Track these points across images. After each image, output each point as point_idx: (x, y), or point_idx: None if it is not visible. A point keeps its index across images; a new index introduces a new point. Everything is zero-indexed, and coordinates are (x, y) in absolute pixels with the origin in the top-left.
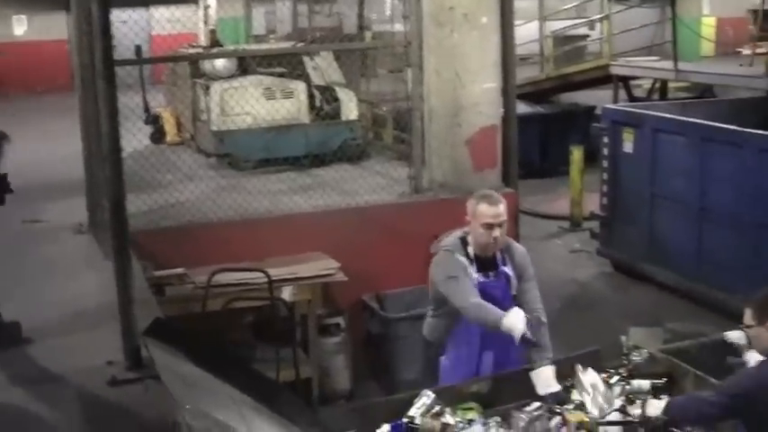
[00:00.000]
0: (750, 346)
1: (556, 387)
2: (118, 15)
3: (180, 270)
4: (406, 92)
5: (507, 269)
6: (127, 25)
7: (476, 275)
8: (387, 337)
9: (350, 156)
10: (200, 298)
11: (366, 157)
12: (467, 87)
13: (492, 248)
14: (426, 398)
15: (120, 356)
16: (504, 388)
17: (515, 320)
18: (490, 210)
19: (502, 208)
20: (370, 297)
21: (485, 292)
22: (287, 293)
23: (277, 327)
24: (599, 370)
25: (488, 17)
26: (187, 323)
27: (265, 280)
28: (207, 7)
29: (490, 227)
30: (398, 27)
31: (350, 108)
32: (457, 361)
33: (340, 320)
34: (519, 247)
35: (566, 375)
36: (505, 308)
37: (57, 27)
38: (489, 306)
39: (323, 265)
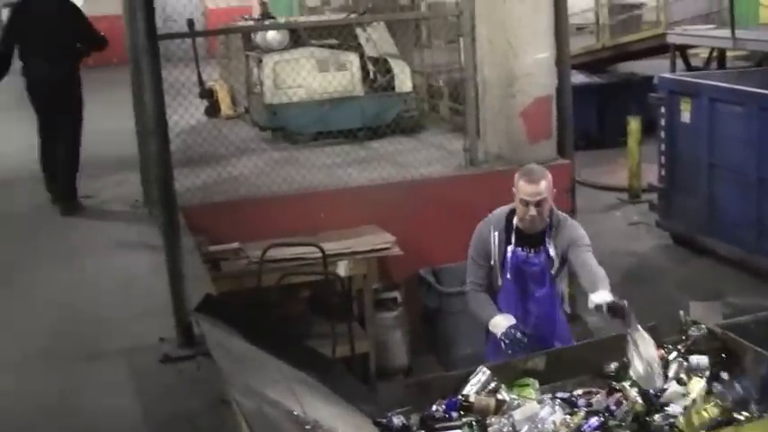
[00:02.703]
0: None
1: (610, 297)
2: None
3: (235, 245)
4: (459, 62)
5: (550, 247)
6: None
7: (511, 248)
8: (443, 311)
9: (404, 128)
10: (255, 272)
11: (421, 129)
12: (520, 57)
13: (530, 226)
14: (482, 374)
15: (173, 333)
16: (561, 364)
17: (500, 321)
18: (528, 187)
19: (542, 186)
20: (426, 271)
21: (519, 268)
22: (342, 268)
23: (333, 302)
24: (657, 346)
25: None
26: (242, 298)
27: (320, 254)
28: None
29: (526, 204)
30: None
31: (404, 80)
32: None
33: (396, 295)
34: (570, 224)
35: (623, 351)
36: (541, 285)
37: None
38: (484, 302)
39: (378, 239)
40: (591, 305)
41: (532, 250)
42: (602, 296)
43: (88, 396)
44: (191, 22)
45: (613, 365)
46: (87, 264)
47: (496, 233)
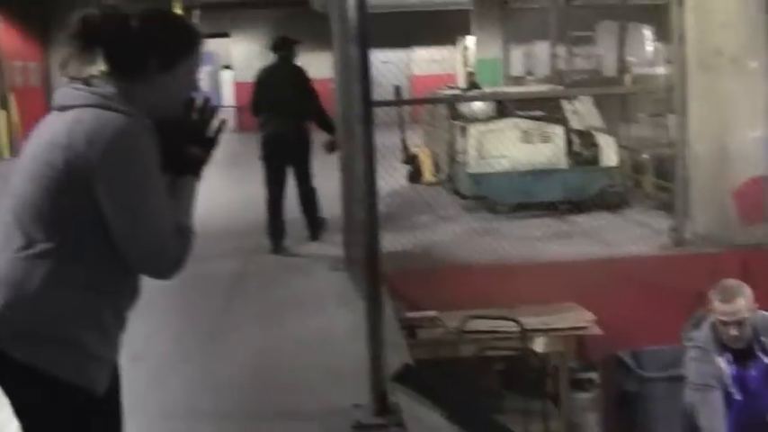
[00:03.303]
0: None
1: None
2: (378, 55)
3: (432, 313)
4: (667, 137)
5: (763, 356)
6: (389, 65)
7: (731, 368)
8: (643, 396)
9: (608, 203)
10: (451, 343)
11: (625, 205)
12: (734, 135)
13: (735, 342)
14: None
15: (368, 400)
16: None
17: None
18: (723, 306)
19: (740, 304)
20: (625, 353)
21: (742, 386)
22: (539, 344)
23: (527, 377)
24: None
25: (758, 61)
26: (438, 369)
27: (517, 329)
28: (466, 49)
29: (725, 324)
30: (659, 70)
31: (609, 154)
32: None
33: (593, 375)
34: None
35: None
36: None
37: (319, 65)
38: None
39: (577, 317)
40: None
41: (749, 363)
42: None
43: None
44: (397, 90)
45: None
46: (286, 322)
47: (714, 355)
